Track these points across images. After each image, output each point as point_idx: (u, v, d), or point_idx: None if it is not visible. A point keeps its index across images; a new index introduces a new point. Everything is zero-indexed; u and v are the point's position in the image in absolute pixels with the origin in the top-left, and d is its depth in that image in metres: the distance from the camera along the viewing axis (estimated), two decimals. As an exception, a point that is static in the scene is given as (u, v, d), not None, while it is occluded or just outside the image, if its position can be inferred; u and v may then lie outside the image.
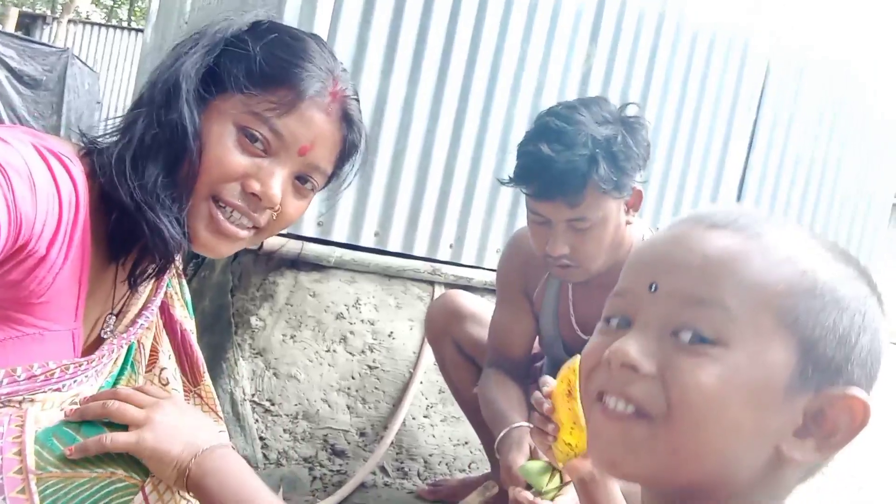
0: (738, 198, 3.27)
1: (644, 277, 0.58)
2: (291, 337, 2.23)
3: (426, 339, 2.34)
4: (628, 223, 1.57)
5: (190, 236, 0.83)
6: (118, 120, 0.85)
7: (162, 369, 0.95)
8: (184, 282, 1.06)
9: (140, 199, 0.76)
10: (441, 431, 2.29)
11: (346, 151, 0.94)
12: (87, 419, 0.69)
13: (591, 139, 1.45)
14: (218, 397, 2.05)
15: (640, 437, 0.53)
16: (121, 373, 0.90)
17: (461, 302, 1.98)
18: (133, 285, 0.85)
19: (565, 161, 1.43)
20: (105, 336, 0.86)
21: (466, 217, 2.56)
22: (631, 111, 1.54)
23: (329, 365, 2.25)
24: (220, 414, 1.02)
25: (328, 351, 2.26)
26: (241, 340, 2.17)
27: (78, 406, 0.71)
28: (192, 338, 1.02)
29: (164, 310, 1.02)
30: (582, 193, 1.45)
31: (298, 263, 2.29)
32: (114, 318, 0.88)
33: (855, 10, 3.44)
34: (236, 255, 2.27)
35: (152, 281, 0.92)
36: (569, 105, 1.54)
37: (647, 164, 1.58)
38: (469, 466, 2.26)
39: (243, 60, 0.83)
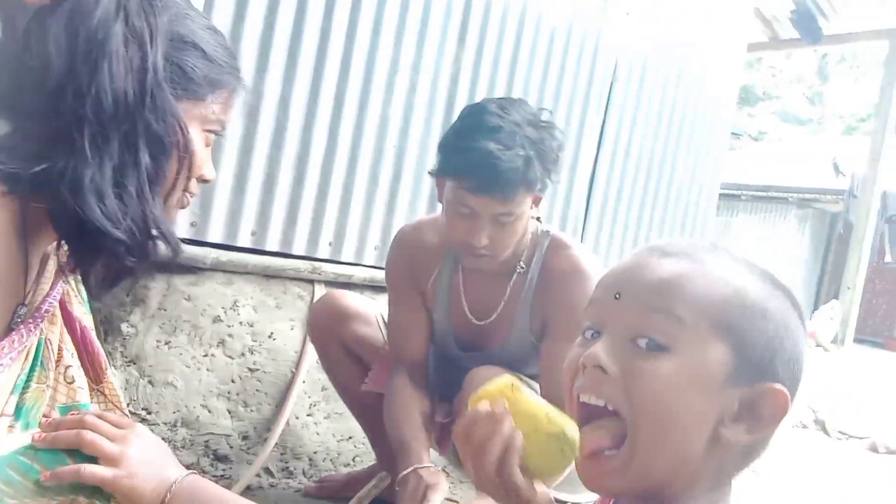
0: (589, 189, 3.53)
1: (610, 290, 0.71)
2: (166, 343, 2.15)
3: (308, 339, 2.34)
4: (533, 217, 1.69)
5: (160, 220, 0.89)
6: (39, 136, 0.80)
7: (67, 367, 0.91)
8: (79, 277, 1.02)
9: (109, 222, 0.74)
10: (325, 429, 2.31)
11: None
12: (57, 447, 0.68)
13: (526, 140, 1.54)
14: (90, 410, 1.96)
15: (615, 465, 0.67)
16: (31, 371, 0.87)
17: (345, 301, 2.00)
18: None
19: (507, 159, 1.51)
20: (14, 327, 0.83)
21: (345, 215, 2.58)
22: (545, 115, 1.65)
23: (207, 370, 2.20)
24: (127, 412, 1.00)
25: (206, 355, 2.21)
26: (111, 349, 2.07)
27: (38, 431, 0.70)
28: (92, 334, 0.99)
29: (62, 306, 0.98)
30: (516, 191, 1.55)
31: (171, 266, 2.21)
32: (24, 307, 0.85)
33: (689, 17, 3.80)
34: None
35: (54, 269, 0.91)
36: (501, 104, 1.60)
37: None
38: (353, 461, 2.30)
39: (199, 60, 0.87)
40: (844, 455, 3.84)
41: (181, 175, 0.88)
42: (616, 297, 0.70)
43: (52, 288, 0.91)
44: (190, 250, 2.22)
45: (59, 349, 0.92)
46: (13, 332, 0.81)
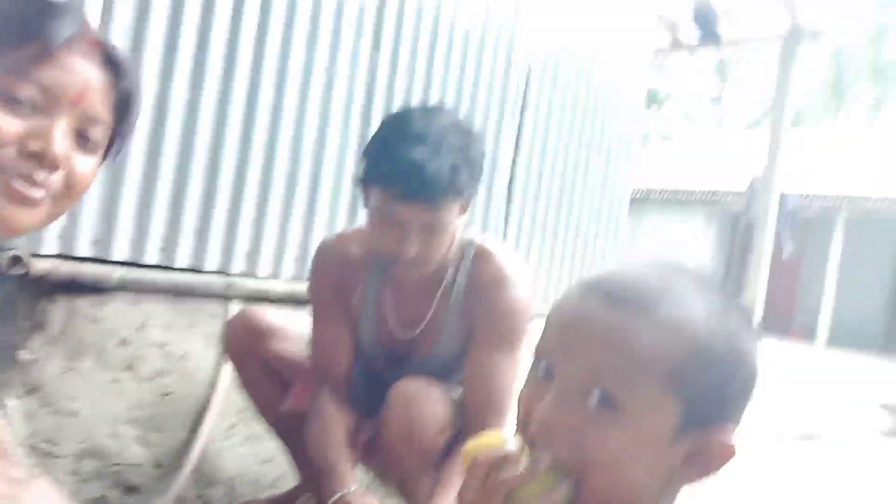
0: (509, 193, 3.55)
1: (561, 343, 0.69)
2: (70, 369, 2.01)
3: (225, 358, 2.25)
4: (458, 224, 1.67)
5: None
6: None
7: None
8: None
9: None
10: (244, 452, 2.22)
11: (121, 102, 0.88)
12: None
13: (452, 147, 1.52)
14: (-17, 447, 1.81)
15: (565, 494, 0.66)
16: None
17: (262, 318, 1.92)
18: None
19: (436, 166, 1.48)
20: None
21: (261, 227, 2.49)
22: (467, 122, 1.64)
23: (116, 395, 2.07)
24: (18, 458, 0.91)
25: (114, 381, 2.08)
26: (8, 378, 1.92)
27: None
28: None
29: None
30: (445, 198, 1.52)
31: (73, 287, 2.07)
32: None
33: (596, 22, 3.88)
34: (-5, 281, 1.99)
35: None
36: (425, 110, 1.58)
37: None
38: (276, 481, 2.22)
39: None
40: (756, 444, 4.02)
41: None
42: (565, 356, 0.68)
43: None
44: (92, 269, 2.09)
45: None
46: None
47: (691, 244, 11.43)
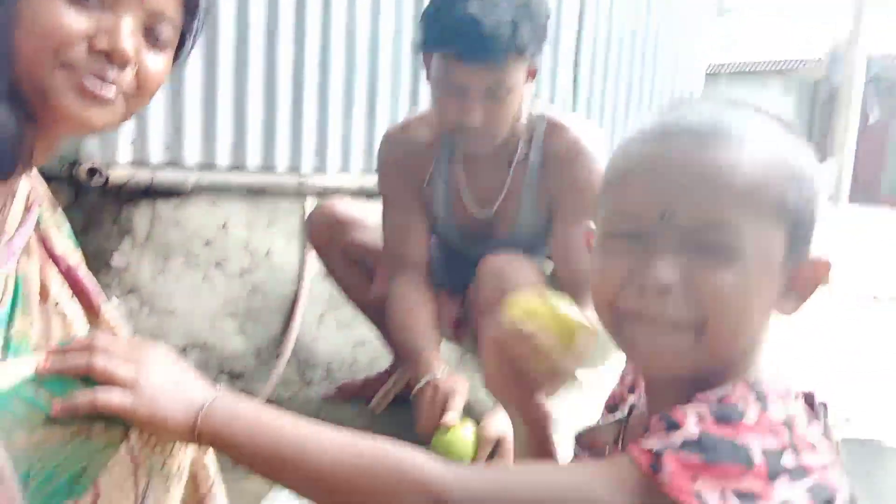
0: (575, 70, 3.41)
1: (652, 204, 0.62)
2: (162, 270, 2.09)
3: (308, 251, 2.29)
4: (527, 93, 1.60)
5: (51, 116, 0.75)
6: None
7: (56, 303, 0.86)
8: (61, 212, 0.95)
9: None
10: (336, 338, 2.28)
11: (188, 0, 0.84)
12: (65, 374, 0.60)
13: (511, 1, 1.44)
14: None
15: (686, 345, 0.61)
16: (12, 310, 0.82)
17: (342, 209, 1.94)
18: None
19: (494, 21, 1.42)
20: None
21: (324, 123, 2.47)
22: None
23: (208, 293, 2.14)
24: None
25: (204, 279, 2.15)
26: (105, 283, 2.00)
27: (44, 360, 0.62)
28: (81, 271, 0.93)
29: (44, 244, 0.92)
30: (505, 56, 1.45)
31: (152, 193, 2.12)
32: None
33: None
34: (78, 193, 2.06)
35: (23, 205, 0.83)
36: None
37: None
38: (370, 364, 2.28)
39: None
40: (847, 306, 3.88)
41: (32, 48, 0.72)
42: (664, 218, 0.61)
43: (21, 223, 0.84)
44: (168, 175, 2.14)
45: (44, 285, 0.86)
46: None
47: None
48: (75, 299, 0.91)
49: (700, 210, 0.60)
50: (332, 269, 1.98)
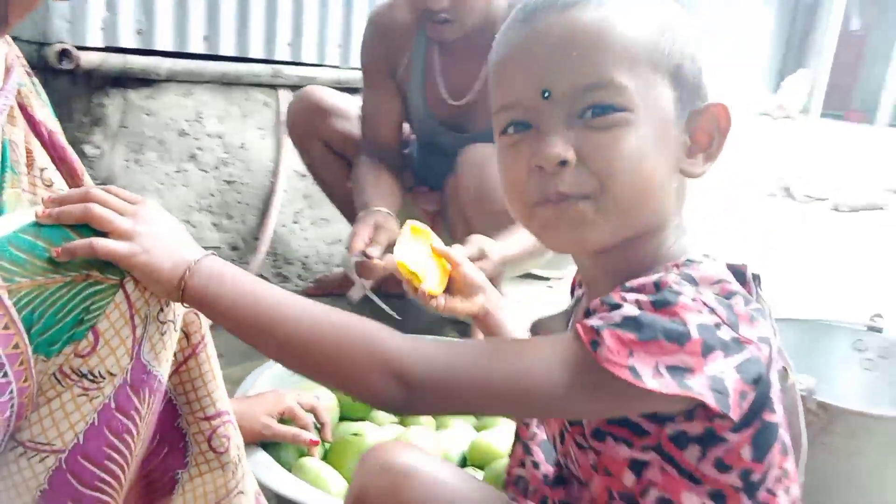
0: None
1: (531, 85, 0.61)
2: (135, 161, 2.06)
3: (283, 145, 2.27)
4: None
5: None
6: None
7: (42, 169, 0.85)
8: (36, 80, 0.93)
9: None
10: (312, 234, 2.31)
11: None
12: (63, 223, 0.62)
13: None
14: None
15: (590, 214, 0.61)
16: (1, 176, 0.82)
17: (323, 97, 1.91)
18: None
19: None
20: None
21: (300, 12, 2.39)
22: None
23: (183, 185, 2.13)
24: None
25: (178, 171, 2.13)
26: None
27: (44, 208, 0.64)
28: (61, 138, 0.91)
29: (23, 110, 0.90)
30: None
31: (124, 80, 2.07)
32: None
33: None
34: (48, 77, 1.99)
35: (3, 66, 0.81)
36: None
37: None
38: (345, 262, 2.32)
39: None
40: (810, 215, 4.01)
41: None
42: (546, 97, 0.60)
43: (3, 85, 0.82)
44: (140, 61, 2.07)
45: (29, 151, 0.85)
46: None
47: (747, 16, 10.68)
48: (56, 171, 0.91)
49: (576, 77, 0.60)
50: (311, 159, 1.97)
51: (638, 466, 0.63)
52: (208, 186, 2.17)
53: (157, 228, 0.65)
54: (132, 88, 2.08)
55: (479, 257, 1.46)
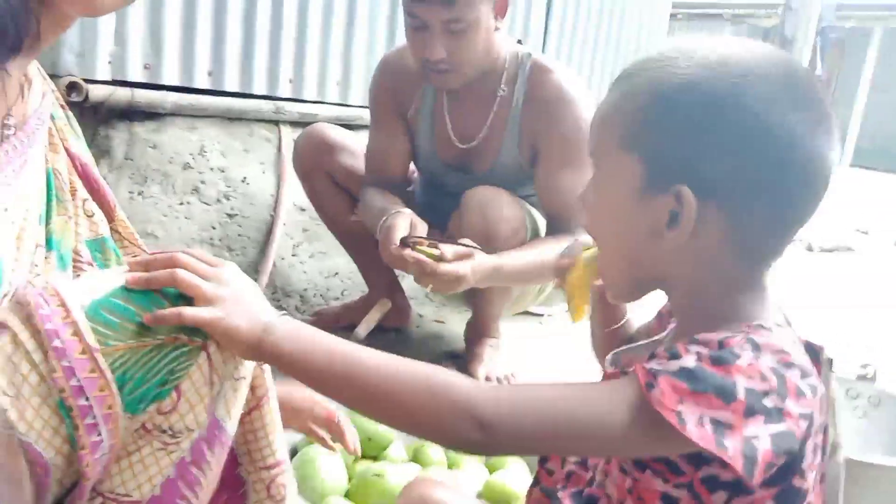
0: (547, 10, 3.42)
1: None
2: (139, 193, 2.08)
3: (282, 182, 2.30)
4: (497, 29, 1.64)
5: None
6: None
7: (84, 200, 0.88)
8: (70, 113, 0.95)
9: None
10: (311, 267, 2.34)
11: None
12: (152, 287, 0.66)
13: None
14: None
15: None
16: (48, 202, 0.84)
17: (329, 133, 1.96)
18: None
19: None
20: (4, 139, 0.78)
21: (302, 50, 2.45)
22: None
23: (186, 217, 2.15)
24: (145, 249, 0.98)
25: (182, 204, 2.16)
26: (82, 204, 1.99)
27: (131, 272, 0.67)
28: (94, 171, 0.94)
29: (61, 142, 0.92)
30: None
31: (130, 113, 2.09)
32: (11, 118, 0.79)
33: None
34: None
35: (40, 89, 0.83)
36: None
37: None
38: (342, 294, 2.35)
39: None
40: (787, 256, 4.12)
41: None
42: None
43: (37, 110, 0.83)
44: (147, 95, 2.10)
45: (72, 182, 0.87)
46: (4, 143, 0.75)
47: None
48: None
49: (593, 139, 0.72)
50: (315, 192, 2.01)
51: (669, 500, 0.68)
52: (210, 219, 2.19)
53: (237, 292, 0.69)
54: (138, 121, 2.11)
55: (466, 256, 1.52)
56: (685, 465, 0.66)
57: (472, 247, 1.53)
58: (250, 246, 2.24)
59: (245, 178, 2.28)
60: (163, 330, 0.64)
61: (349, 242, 2.04)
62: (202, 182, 2.20)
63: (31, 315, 0.60)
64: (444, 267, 1.46)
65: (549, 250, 1.58)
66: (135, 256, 0.90)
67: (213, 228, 2.20)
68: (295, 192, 2.30)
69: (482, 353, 1.88)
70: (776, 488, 0.65)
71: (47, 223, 0.82)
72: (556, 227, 1.72)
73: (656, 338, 0.81)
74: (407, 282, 2.28)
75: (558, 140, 1.70)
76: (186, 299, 0.66)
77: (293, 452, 1.23)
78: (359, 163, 1.92)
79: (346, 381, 0.66)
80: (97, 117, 2.05)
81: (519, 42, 1.78)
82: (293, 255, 2.31)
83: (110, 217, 0.94)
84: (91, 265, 0.84)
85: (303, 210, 2.34)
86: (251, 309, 0.68)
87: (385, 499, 1.15)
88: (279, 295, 2.20)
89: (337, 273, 2.37)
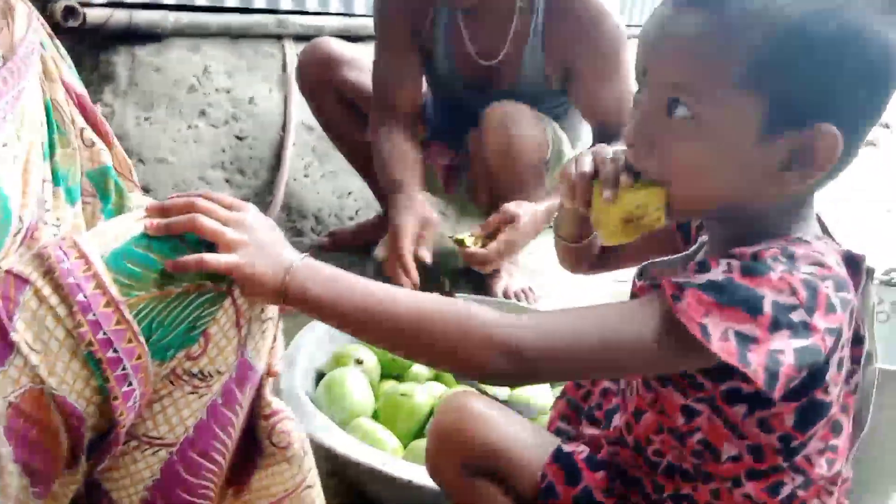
0: None
1: (642, 57, 0.66)
2: (146, 119, 2.05)
3: (289, 101, 2.25)
4: None
5: None
6: None
7: (82, 129, 0.85)
8: (58, 42, 0.92)
9: None
10: (323, 188, 2.32)
11: None
12: (172, 233, 0.64)
13: None
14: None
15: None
16: (50, 136, 0.82)
17: (334, 48, 1.89)
18: None
19: None
20: None
21: (303, -43, 2.34)
22: None
23: (195, 142, 2.12)
24: (137, 184, 0.96)
25: (190, 127, 2.12)
26: (90, 132, 1.96)
27: (147, 217, 0.65)
28: (89, 101, 0.91)
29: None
30: None
31: (130, 37, 2.03)
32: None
33: None
34: (55, 35, 1.95)
35: (26, 12, 0.80)
36: None
37: None
38: (357, 213, 2.35)
39: None
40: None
41: None
42: (644, 76, 0.66)
43: (24, 38, 0.80)
44: (146, 15, 2.03)
45: (70, 113, 0.85)
46: None
47: None
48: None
49: (662, 71, 0.64)
50: (323, 111, 1.95)
51: (689, 412, 0.69)
52: (220, 142, 2.17)
53: (259, 236, 0.68)
54: (139, 44, 2.04)
55: (511, 220, 1.50)
56: (706, 381, 0.67)
57: (507, 216, 1.51)
58: (262, 168, 2.22)
59: (252, 97, 2.23)
60: (186, 277, 0.64)
61: (360, 162, 2.00)
62: (209, 104, 2.16)
63: (52, 269, 0.60)
64: (491, 255, 1.48)
65: None
66: (131, 191, 0.88)
67: (224, 151, 2.17)
68: (302, 110, 2.25)
69: (499, 268, 1.88)
70: (798, 402, 0.65)
71: (51, 157, 0.80)
72: (604, 136, 1.67)
73: (686, 252, 0.79)
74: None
75: (595, 57, 1.65)
76: (208, 245, 0.65)
77: (320, 375, 1.26)
78: (366, 77, 1.85)
79: (375, 320, 0.66)
80: (97, 43, 1.99)
81: None
82: (305, 176, 2.29)
83: (108, 145, 0.91)
84: (94, 196, 0.83)
85: (311, 129, 2.30)
86: (273, 252, 0.67)
87: (413, 417, 1.18)
88: (294, 216, 2.20)
89: (350, 193, 2.35)
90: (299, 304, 0.66)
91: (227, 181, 2.15)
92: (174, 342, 0.63)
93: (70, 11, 1.87)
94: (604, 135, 1.68)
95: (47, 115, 0.81)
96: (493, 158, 1.68)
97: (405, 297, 0.67)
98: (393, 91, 1.77)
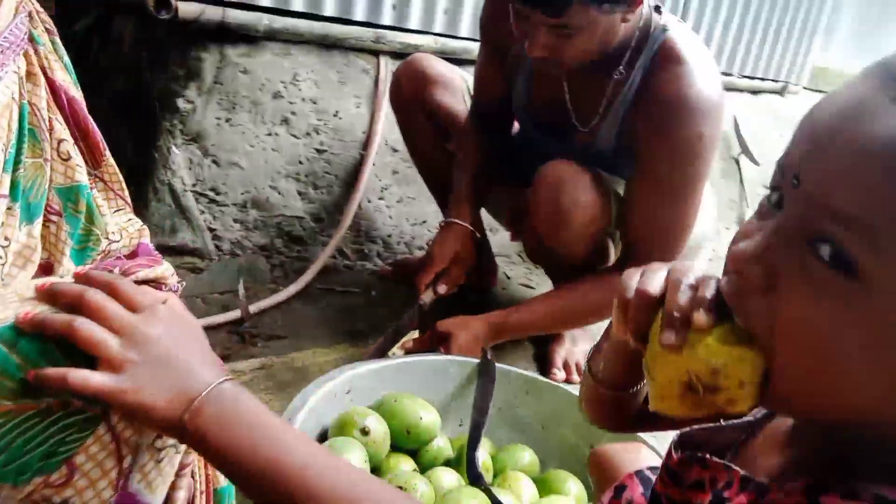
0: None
1: (801, 151, 0.42)
2: (227, 120, 1.99)
3: (380, 113, 2.16)
4: (626, 21, 1.36)
5: None
6: None
7: (60, 141, 0.73)
8: (57, 39, 0.81)
9: None
10: (397, 212, 2.20)
11: None
12: (45, 332, 0.50)
13: None
14: (156, 189, 1.86)
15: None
16: (20, 143, 0.70)
17: (431, 65, 1.80)
18: None
19: None
20: None
21: (409, -27, 2.25)
22: None
23: (273, 150, 2.05)
24: (129, 201, 0.84)
25: (269, 134, 2.05)
26: (169, 126, 1.92)
27: (31, 301, 0.51)
28: (83, 108, 0.79)
29: (43, 73, 0.78)
30: (564, 8, 1.25)
31: (222, 35, 1.98)
32: None
33: None
34: (146, 25, 1.93)
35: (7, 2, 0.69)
36: None
37: None
38: (427, 244, 2.21)
39: None
40: None
41: None
42: (794, 184, 0.41)
43: (8, 26, 0.69)
44: (239, 15, 1.98)
45: (50, 119, 0.73)
46: None
47: None
48: (74, 144, 0.79)
49: (828, 187, 0.39)
50: (410, 129, 1.87)
51: None
52: (297, 153, 2.08)
53: (159, 351, 0.52)
54: (230, 44, 2.00)
55: (444, 339, 1.45)
56: None
57: (441, 333, 1.46)
58: (336, 185, 2.12)
59: (337, 111, 2.14)
60: (51, 391, 0.50)
61: (439, 190, 1.88)
62: (293, 113, 2.08)
63: None
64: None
65: (583, 296, 1.50)
66: (118, 210, 0.76)
67: (300, 163, 2.08)
68: (388, 130, 2.15)
69: (565, 331, 1.70)
70: None
71: (15, 168, 0.69)
72: (633, 256, 1.45)
73: (744, 420, 0.56)
74: (497, 238, 2.10)
75: (663, 154, 1.40)
76: (89, 356, 0.51)
77: (322, 439, 1.10)
78: (457, 101, 1.76)
79: (284, 495, 0.51)
80: (187, 38, 1.95)
81: (657, 9, 1.45)
82: (380, 199, 2.17)
83: (97, 162, 0.80)
84: (60, 216, 0.71)
85: (395, 151, 2.19)
86: (175, 377, 0.52)
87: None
88: (362, 239, 2.08)
89: (425, 221, 2.22)
90: (197, 447, 0.52)
91: (300, 194, 2.06)
92: (27, 468, 0.49)
93: (163, 3, 1.84)
94: (632, 251, 1.46)
95: (21, 119, 0.69)
96: (542, 226, 1.52)
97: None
98: (479, 85, 1.73)
